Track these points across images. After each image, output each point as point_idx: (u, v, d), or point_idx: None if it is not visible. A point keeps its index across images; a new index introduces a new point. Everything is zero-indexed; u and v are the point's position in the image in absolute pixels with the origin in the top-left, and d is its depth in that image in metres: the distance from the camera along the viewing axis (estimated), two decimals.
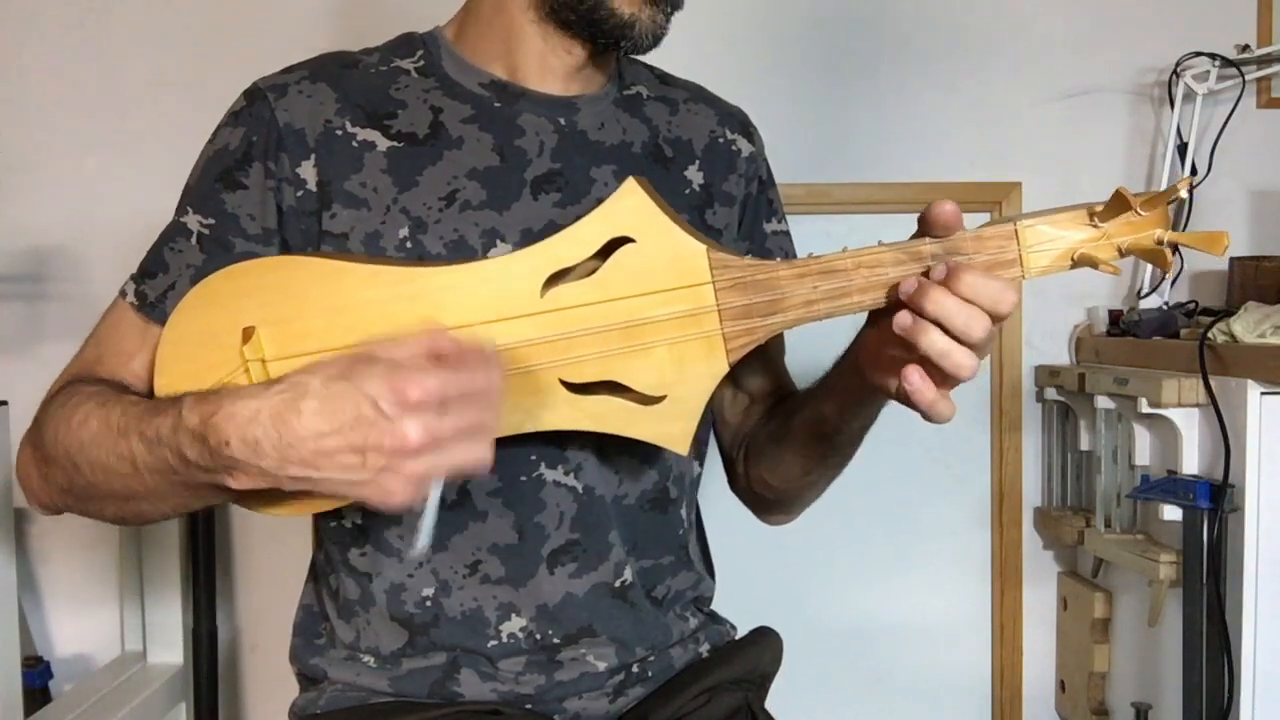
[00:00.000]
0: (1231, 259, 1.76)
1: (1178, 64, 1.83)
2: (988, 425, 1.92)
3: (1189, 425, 1.50)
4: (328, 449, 0.71)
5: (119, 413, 0.82)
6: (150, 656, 1.80)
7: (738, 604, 1.16)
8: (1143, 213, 0.77)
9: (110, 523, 0.92)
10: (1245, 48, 1.85)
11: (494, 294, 0.83)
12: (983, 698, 1.95)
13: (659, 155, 1.03)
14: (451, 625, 0.95)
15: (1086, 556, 1.86)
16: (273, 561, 1.88)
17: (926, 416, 0.80)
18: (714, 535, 1.14)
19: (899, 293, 0.78)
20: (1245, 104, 1.85)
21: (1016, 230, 0.79)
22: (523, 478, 0.94)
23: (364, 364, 0.71)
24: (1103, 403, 1.68)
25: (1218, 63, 1.81)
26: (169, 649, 1.79)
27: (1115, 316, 1.82)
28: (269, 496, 0.82)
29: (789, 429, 1.00)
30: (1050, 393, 1.88)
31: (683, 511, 1.04)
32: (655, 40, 0.94)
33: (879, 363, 0.83)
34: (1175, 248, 0.78)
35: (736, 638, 1.11)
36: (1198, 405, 1.48)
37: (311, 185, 0.92)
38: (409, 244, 0.92)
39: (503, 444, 0.86)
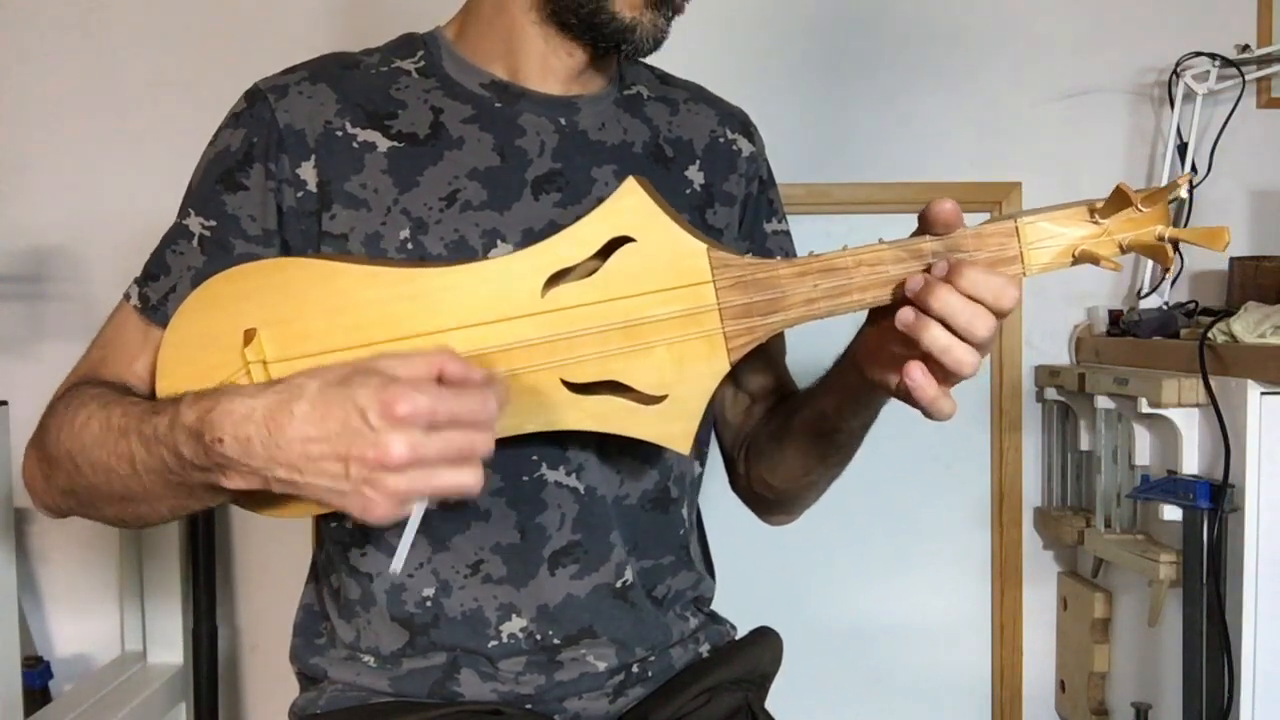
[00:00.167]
0: (1231, 259, 1.76)
1: (1178, 64, 1.83)
2: (988, 425, 1.92)
3: (1189, 425, 1.50)
4: (313, 454, 0.71)
5: (119, 413, 0.82)
6: (150, 656, 1.80)
7: (738, 604, 1.16)
8: (1143, 209, 0.77)
9: (111, 525, 0.92)
10: (1245, 48, 1.85)
11: (494, 294, 0.83)
12: (983, 698, 1.95)
13: (660, 155, 1.03)
14: (452, 625, 0.95)
15: (1086, 556, 1.86)
16: (273, 561, 1.89)
17: (927, 413, 0.80)
18: (714, 535, 1.14)
19: (905, 290, 0.78)
20: (1245, 104, 1.85)
21: (1017, 227, 0.79)
22: (525, 478, 0.94)
23: (362, 374, 0.71)
24: (1103, 403, 1.68)
25: (1218, 63, 1.81)
26: (169, 649, 1.80)
27: (1115, 316, 1.82)
28: (267, 498, 0.82)
29: (789, 428, 1.00)
30: (1050, 393, 1.88)
31: (683, 511, 1.04)
32: (655, 44, 0.94)
33: (879, 360, 0.83)
34: (1176, 245, 0.78)
35: (736, 638, 1.11)
36: (1198, 405, 1.48)
37: (312, 186, 0.92)
38: (410, 244, 0.92)
39: (504, 444, 0.86)
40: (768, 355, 1.07)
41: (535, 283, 0.83)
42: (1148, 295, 1.83)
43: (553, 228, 0.92)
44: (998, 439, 1.92)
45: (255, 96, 0.95)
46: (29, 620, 1.83)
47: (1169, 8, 1.89)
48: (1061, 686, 1.92)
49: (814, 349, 0.98)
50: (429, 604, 0.95)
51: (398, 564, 0.76)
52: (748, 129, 1.10)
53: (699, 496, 1.09)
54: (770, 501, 1.09)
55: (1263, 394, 1.39)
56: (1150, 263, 1.86)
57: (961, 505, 1.93)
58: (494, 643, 0.95)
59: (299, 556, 1.10)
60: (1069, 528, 1.80)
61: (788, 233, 1.12)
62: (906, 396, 0.80)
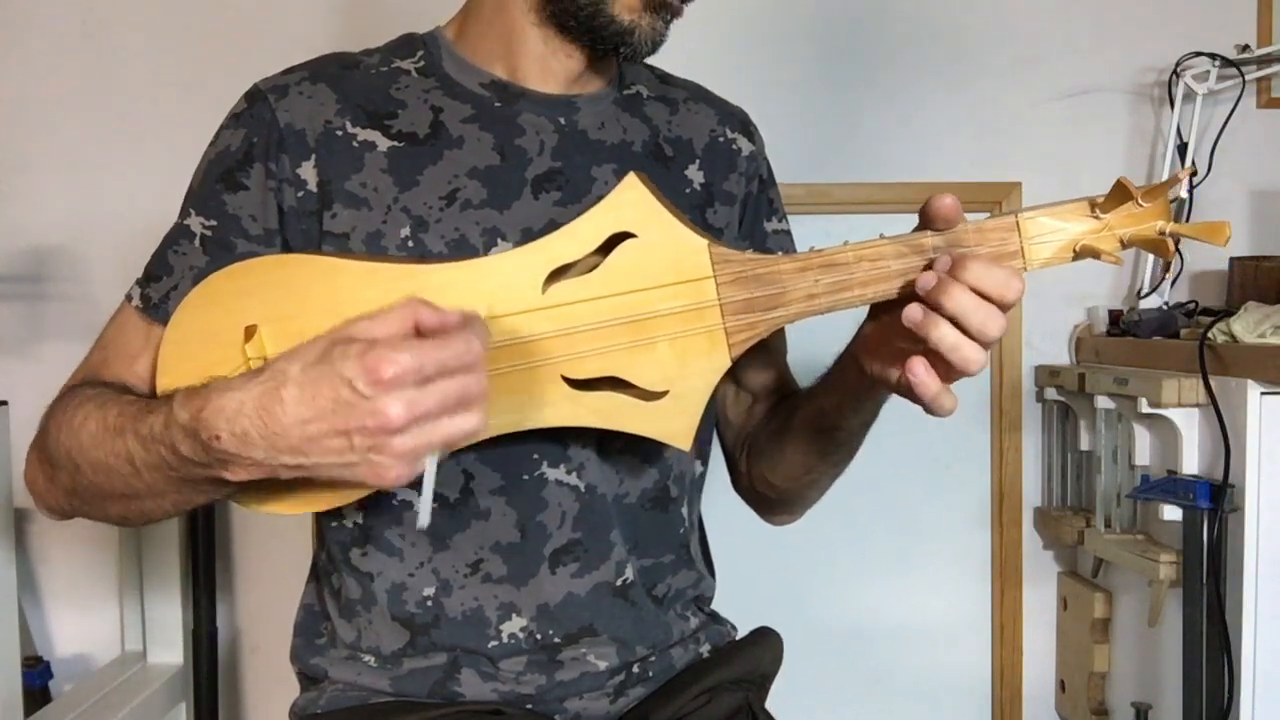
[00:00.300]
0: (1231, 259, 1.77)
1: (1178, 64, 1.83)
2: (988, 425, 1.92)
3: (1189, 425, 1.50)
4: (313, 435, 0.71)
5: (115, 412, 0.82)
6: (150, 656, 1.80)
7: (738, 604, 1.16)
8: (1144, 204, 0.78)
9: (115, 523, 0.92)
10: (1245, 48, 1.85)
11: (495, 291, 0.83)
12: (983, 698, 1.95)
13: (659, 154, 1.03)
14: (452, 625, 0.95)
15: (1086, 556, 1.86)
16: (273, 561, 1.88)
17: (928, 409, 0.80)
18: (715, 535, 1.14)
19: (916, 288, 0.78)
20: (1245, 104, 1.85)
21: (1018, 222, 0.79)
22: (525, 476, 0.94)
23: (341, 345, 0.70)
24: (1103, 403, 1.68)
25: (1218, 63, 1.82)
26: (169, 649, 1.79)
27: (1115, 316, 1.82)
28: (267, 493, 0.82)
29: (790, 426, 1.00)
30: (1050, 393, 1.88)
31: (684, 510, 1.04)
32: (654, 47, 0.94)
33: (880, 355, 0.83)
34: (1177, 240, 0.78)
35: (737, 638, 1.11)
36: (1198, 405, 1.48)
37: (312, 186, 0.92)
38: (410, 243, 0.92)
39: (505, 442, 0.87)
40: (769, 353, 1.07)
41: (536, 279, 0.83)
42: (1148, 295, 1.83)
43: (552, 227, 0.92)
44: (998, 439, 1.92)
45: (255, 96, 0.95)
46: (29, 620, 1.83)
47: (1169, 8, 1.90)
48: (1061, 686, 1.92)
49: (815, 347, 0.98)
50: (429, 604, 0.95)
51: (423, 519, 0.75)
52: (747, 128, 1.10)
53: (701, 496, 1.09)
54: (772, 500, 1.09)
55: (1263, 394, 1.40)
56: (1150, 263, 1.86)
57: (961, 505, 1.93)
58: (494, 642, 0.95)
59: (299, 556, 1.10)
60: (1069, 528, 1.80)
61: (788, 232, 1.12)
62: (907, 392, 0.80)
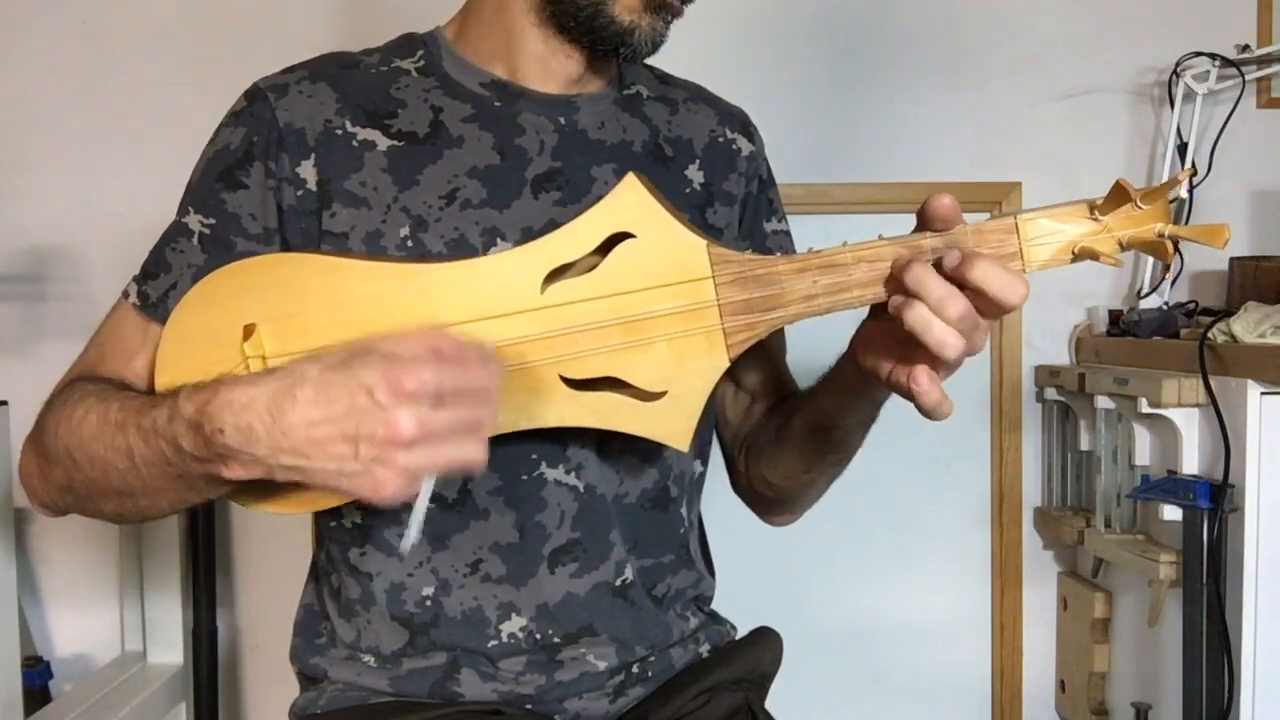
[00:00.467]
0: (1231, 259, 1.77)
1: (1178, 64, 1.83)
2: (988, 425, 1.92)
3: (1189, 425, 1.50)
4: (320, 438, 0.71)
5: (117, 407, 0.82)
6: (150, 656, 1.80)
7: (738, 604, 1.16)
8: (1143, 205, 0.77)
9: (110, 521, 0.92)
10: (1245, 48, 1.85)
11: (494, 290, 0.83)
12: (983, 698, 1.95)
13: (659, 154, 1.03)
14: (451, 625, 0.95)
15: (1086, 556, 1.86)
16: (273, 561, 1.89)
17: (927, 415, 0.80)
18: (714, 535, 1.14)
19: (893, 265, 0.79)
20: (1245, 104, 1.85)
21: (1017, 224, 0.79)
22: (524, 476, 0.94)
23: (362, 355, 0.71)
24: (1103, 403, 1.68)
25: (1218, 63, 1.82)
26: (169, 649, 1.80)
27: (1115, 316, 1.82)
28: (264, 492, 0.82)
29: (789, 426, 1.00)
30: (1050, 393, 1.88)
31: (683, 510, 1.04)
32: (654, 48, 0.94)
33: (878, 354, 0.83)
34: (1176, 242, 0.78)
35: (736, 638, 1.11)
36: (1198, 405, 1.48)
37: (311, 185, 0.92)
38: (410, 243, 0.92)
39: (504, 442, 0.86)
40: (767, 353, 1.07)
41: (535, 279, 0.83)
42: (1148, 295, 1.83)
43: (552, 226, 0.92)
44: (998, 439, 1.92)
45: (255, 95, 0.95)
46: (29, 620, 1.83)
47: (1169, 8, 1.90)
48: (1061, 686, 1.92)
49: (815, 347, 0.98)
50: (429, 603, 0.95)
51: (408, 542, 0.75)
52: (747, 128, 1.10)
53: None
54: (771, 500, 1.09)
55: (1263, 394, 1.40)
56: (1150, 263, 1.86)
57: (961, 505, 1.93)
58: (494, 642, 0.95)
59: (299, 556, 1.10)
60: (1069, 528, 1.80)
61: (788, 233, 1.12)
62: (899, 387, 0.81)
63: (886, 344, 0.82)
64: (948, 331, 0.75)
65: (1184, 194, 1.79)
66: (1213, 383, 1.44)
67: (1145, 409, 1.53)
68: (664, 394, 0.84)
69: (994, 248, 0.79)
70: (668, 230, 0.82)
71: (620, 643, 0.98)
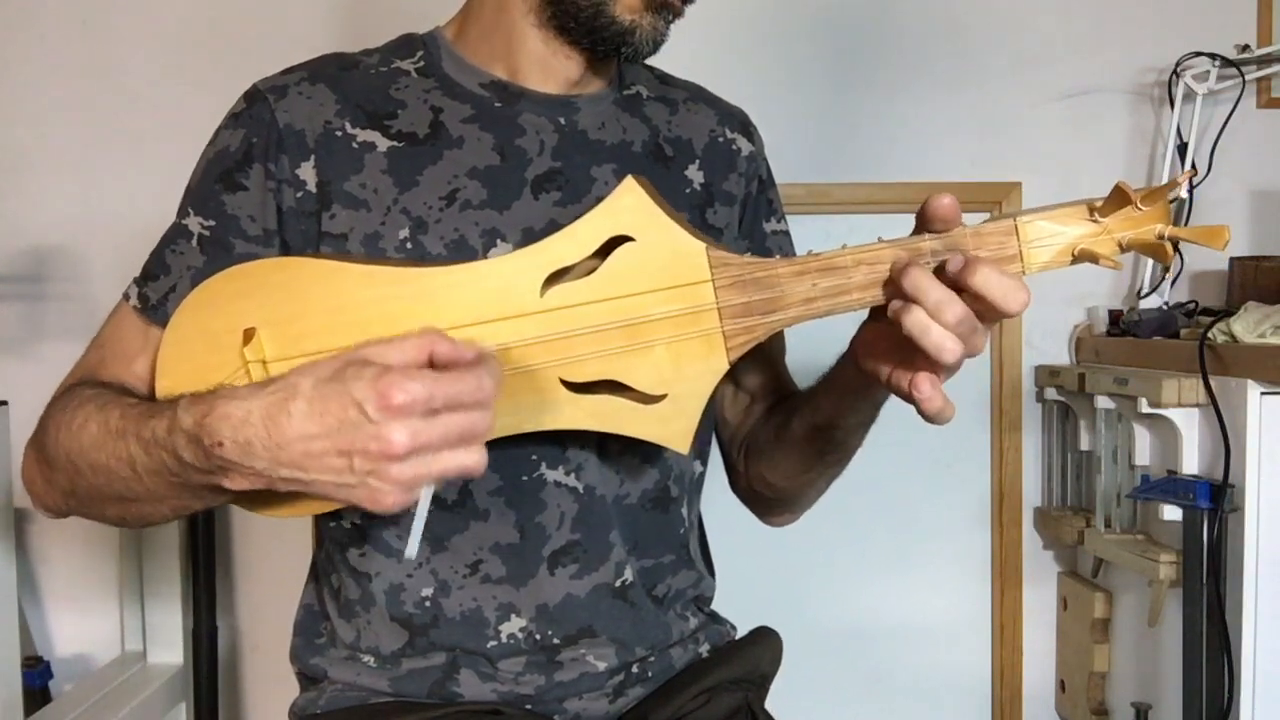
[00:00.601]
0: (1231, 259, 1.76)
1: (1178, 64, 1.83)
2: (988, 425, 1.92)
3: (1189, 425, 1.50)
4: (315, 451, 0.71)
5: (117, 415, 0.82)
6: (150, 656, 1.80)
7: (738, 604, 1.16)
8: (1143, 207, 0.77)
9: (113, 524, 0.92)
10: (1245, 48, 1.85)
11: (493, 293, 0.83)
12: (983, 698, 1.95)
13: (659, 154, 1.03)
14: (451, 625, 0.95)
15: (1086, 556, 1.86)
16: (273, 561, 1.89)
17: (928, 419, 0.80)
18: (714, 535, 1.14)
19: (892, 268, 0.79)
20: (1245, 104, 1.85)
21: (1016, 226, 0.78)
22: (524, 478, 0.94)
23: (355, 367, 0.71)
24: (1103, 403, 1.68)
25: (1218, 63, 1.82)
26: (169, 649, 1.80)
27: (1115, 316, 1.82)
28: (267, 498, 0.82)
29: (789, 426, 1.00)
30: (1050, 393, 1.88)
31: (684, 510, 1.04)
32: (655, 47, 0.94)
33: (878, 356, 0.83)
34: (1176, 243, 0.78)
35: (736, 638, 1.11)
36: (1198, 405, 1.48)
37: (311, 186, 0.92)
38: (409, 244, 0.92)
39: (503, 444, 0.86)
40: (767, 354, 1.07)
41: (534, 282, 0.83)
42: (1148, 295, 1.83)
43: (552, 227, 0.92)
44: (998, 439, 1.92)
45: (254, 97, 0.95)
46: (29, 620, 1.83)
47: (1169, 8, 1.90)
48: (1061, 686, 1.92)
49: (815, 348, 0.98)
50: (428, 604, 0.95)
51: (411, 550, 0.76)
52: (747, 128, 1.10)
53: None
54: (770, 500, 1.09)
55: (1263, 394, 1.39)
56: (1150, 263, 1.86)
57: (961, 505, 1.93)
58: (493, 643, 0.95)
59: (299, 556, 1.10)
60: (1069, 528, 1.80)
61: (787, 233, 1.12)
62: (899, 391, 0.81)
63: (886, 346, 0.82)
64: (945, 336, 0.75)
65: (1184, 193, 1.79)
66: (1213, 383, 1.44)
67: (1145, 409, 1.53)
68: (663, 397, 0.84)
69: (993, 250, 0.79)
70: (667, 233, 0.82)
71: (620, 643, 0.98)
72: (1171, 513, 1.50)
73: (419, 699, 0.96)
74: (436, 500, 0.92)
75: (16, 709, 1.48)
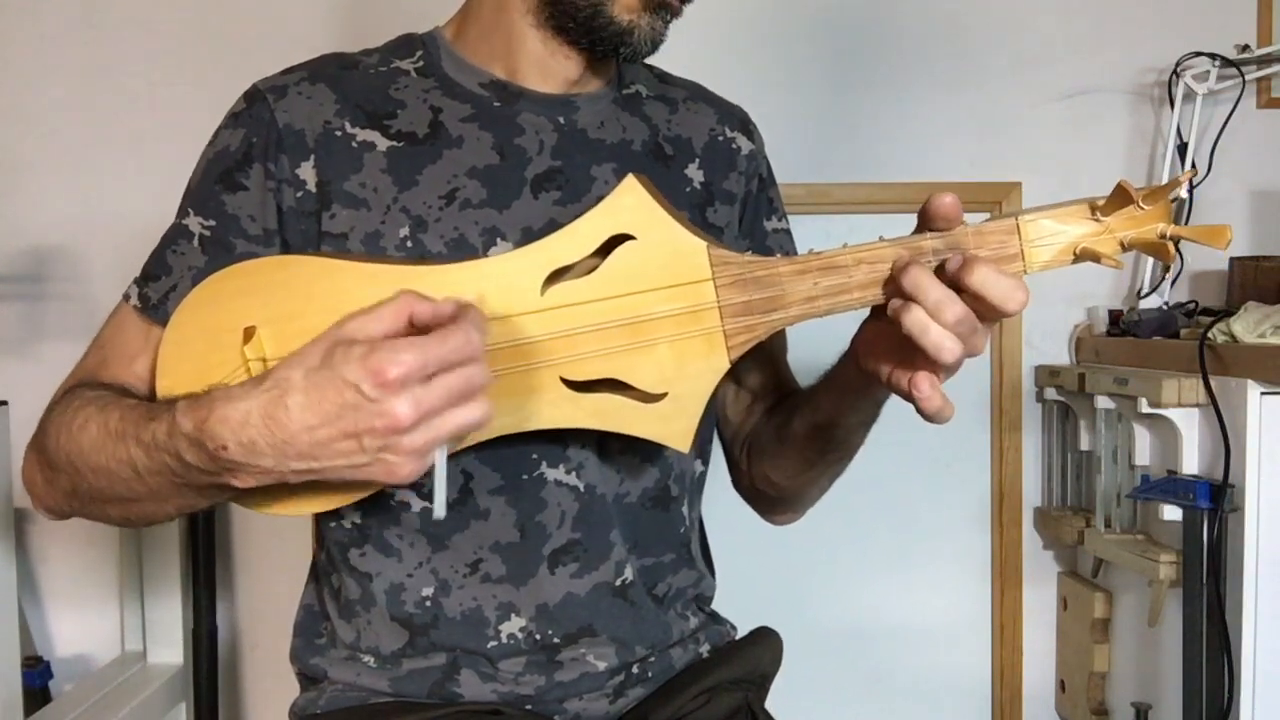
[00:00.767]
0: (1231, 259, 1.76)
1: (1178, 64, 1.83)
2: (988, 425, 1.92)
3: (1189, 425, 1.50)
4: (322, 439, 0.71)
5: (117, 417, 0.82)
6: (150, 656, 1.80)
7: (738, 604, 1.16)
8: (1145, 206, 0.77)
9: (116, 524, 0.92)
10: (1245, 48, 1.85)
11: (494, 292, 0.83)
12: (983, 698, 1.95)
13: (659, 153, 1.03)
14: (451, 625, 0.95)
15: (1086, 556, 1.86)
16: (273, 561, 1.88)
17: (927, 418, 0.80)
18: (714, 534, 1.14)
19: (892, 268, 0.79)
20: (1245, 104, 1.85)
21: (1018, 225, 0.78)
22: (524, 476, 0.94)
23: (342, 348, 0.71)
24: (1103, 403, 1.68)
25: (1218, 63, 1.82)
26: (169, 649, 1.80)
27: (1115, 316, 1.82)
28: (275, 493, 0.82)
29: (791, 425, 1.00)
30: (1050, 393, 1.88)
31: (684, 509, 1.04)
32: (653, 47, 0.94)
33: (879, 354, 0.83)
34: (1177, 242, 0.78)
35: (736, 638, 1.11)
36: (1198, 405, 1.48)
37: (311, 186, 0.92)
38: (409, 243, 0.92)
39: (504, 442, 0.87)
40: (768, 353, 1.07)
41: (535, 280, 0.83)
42: (1148, 295, 1.83)
43: (552, 226, 0.92)
44: (998, 439, 1.92)
45: (254, 97, 0.95)
46: (29, 620, 1.83)
47: (1169, 8, 1.90)
48: (1061, 686, 1.92)
49: (815, 347, 0.98)
50: (428, 604, 0.95)
51: (439, 509, 0.76)
52: (747, 127, 1.10)
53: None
54: (772, 499, 1.09)
55: (1263, 394, 1.39)
56: (1150, 263, 1.86)
57: (961, 505, 1.93)
58: (493, 643, 0.95)
59: (299, 556, 1.10)
60: (1069, 528, 1.80)
61: (788, 231, 1.12)
62: (899, 390, 0.81)
63: (887, 345, 0.82)
64: (944, 335, 0.75)
65: (1184, 193, 1.79)
66: (1213, 383, 1.44)
67: (1145, 409, 1.53)
68: (664, 395, 0.84)
69: (995, 249, 0.79)
70: (667, 232, 0.82)
71: (620, 643, 0.98)
72: (1171, 513, 1.50)
73: (419, 699, 0.96)
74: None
75: (16, 709, 1.48)
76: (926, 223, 0.80)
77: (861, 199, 1.86)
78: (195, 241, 0.93)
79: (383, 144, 0.94)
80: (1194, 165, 1.83)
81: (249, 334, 0.82)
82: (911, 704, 1.94)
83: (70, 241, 1.83)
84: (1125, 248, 0.79)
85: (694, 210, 1.02)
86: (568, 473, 0.95)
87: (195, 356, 0.84)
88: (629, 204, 0.83)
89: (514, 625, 0.95)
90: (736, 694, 1.03)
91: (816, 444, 0.99)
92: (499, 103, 0.97)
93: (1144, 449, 1.62)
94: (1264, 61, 1.84)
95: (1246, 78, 1.82)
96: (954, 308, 0.75)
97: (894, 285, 0.78)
